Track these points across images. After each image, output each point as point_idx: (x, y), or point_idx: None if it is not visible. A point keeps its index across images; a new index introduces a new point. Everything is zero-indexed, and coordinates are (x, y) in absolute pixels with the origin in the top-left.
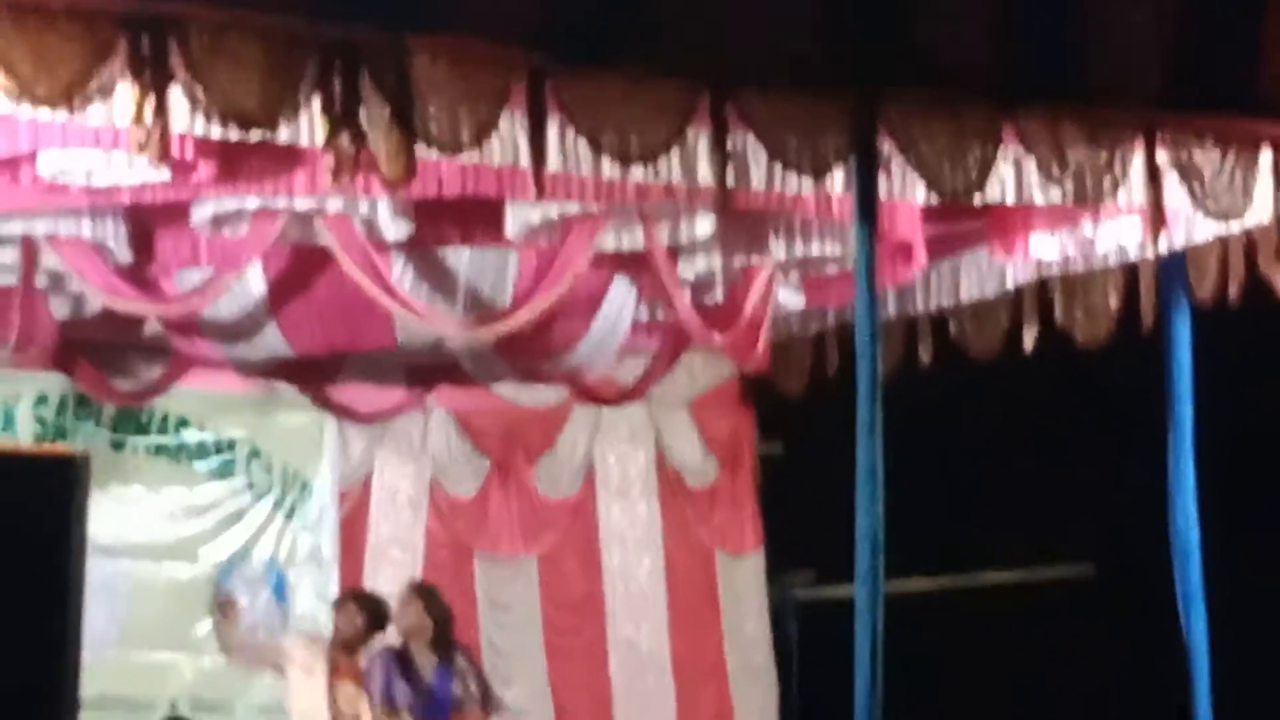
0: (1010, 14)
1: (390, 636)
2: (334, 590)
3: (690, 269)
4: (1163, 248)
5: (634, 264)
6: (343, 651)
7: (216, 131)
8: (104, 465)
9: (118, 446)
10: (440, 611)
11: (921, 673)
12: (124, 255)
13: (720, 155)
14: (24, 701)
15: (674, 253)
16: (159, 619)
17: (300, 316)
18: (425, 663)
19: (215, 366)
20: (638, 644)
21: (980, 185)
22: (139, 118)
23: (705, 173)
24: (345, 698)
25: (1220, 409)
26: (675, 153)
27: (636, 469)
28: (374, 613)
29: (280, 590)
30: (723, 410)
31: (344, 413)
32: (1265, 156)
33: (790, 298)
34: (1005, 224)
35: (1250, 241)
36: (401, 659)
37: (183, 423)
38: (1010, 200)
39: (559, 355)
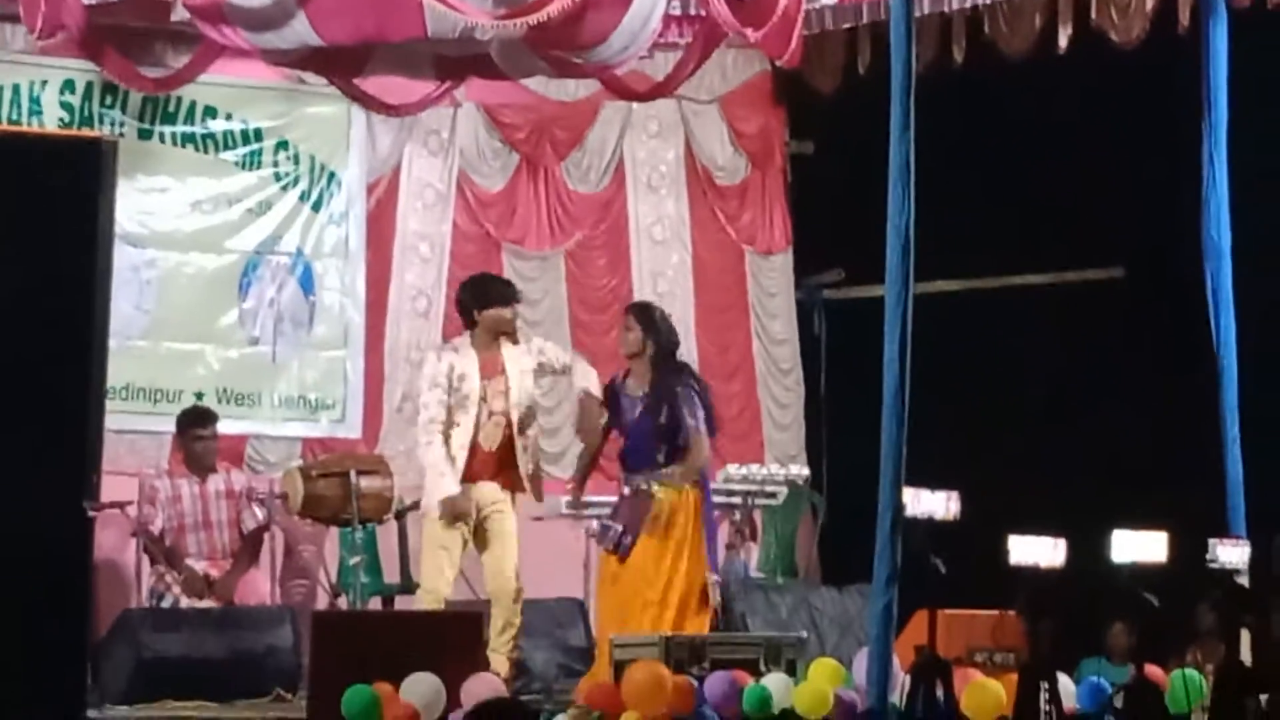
0: None
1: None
2: (361, 283)
3: None
4: None
5: None
6: None
7: None
8: (130, 154)
9: (144, 135)
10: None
11: (948, 373)
12: None
13: None
14: (52, 388)
15: None
16: (185, 309)
17: (329, 5)
18: None
19: (243, 55)
20: None
21: None
22: None
23: None
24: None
25: (1255, 112)
26: None
27: (666, 165)
28: None
29: (307, 282)
30: (754, 107)
31: (372, 104)
32: None
33: None
34: None
35: None
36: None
37: (210, 112)
38: None
39: (590, 48)
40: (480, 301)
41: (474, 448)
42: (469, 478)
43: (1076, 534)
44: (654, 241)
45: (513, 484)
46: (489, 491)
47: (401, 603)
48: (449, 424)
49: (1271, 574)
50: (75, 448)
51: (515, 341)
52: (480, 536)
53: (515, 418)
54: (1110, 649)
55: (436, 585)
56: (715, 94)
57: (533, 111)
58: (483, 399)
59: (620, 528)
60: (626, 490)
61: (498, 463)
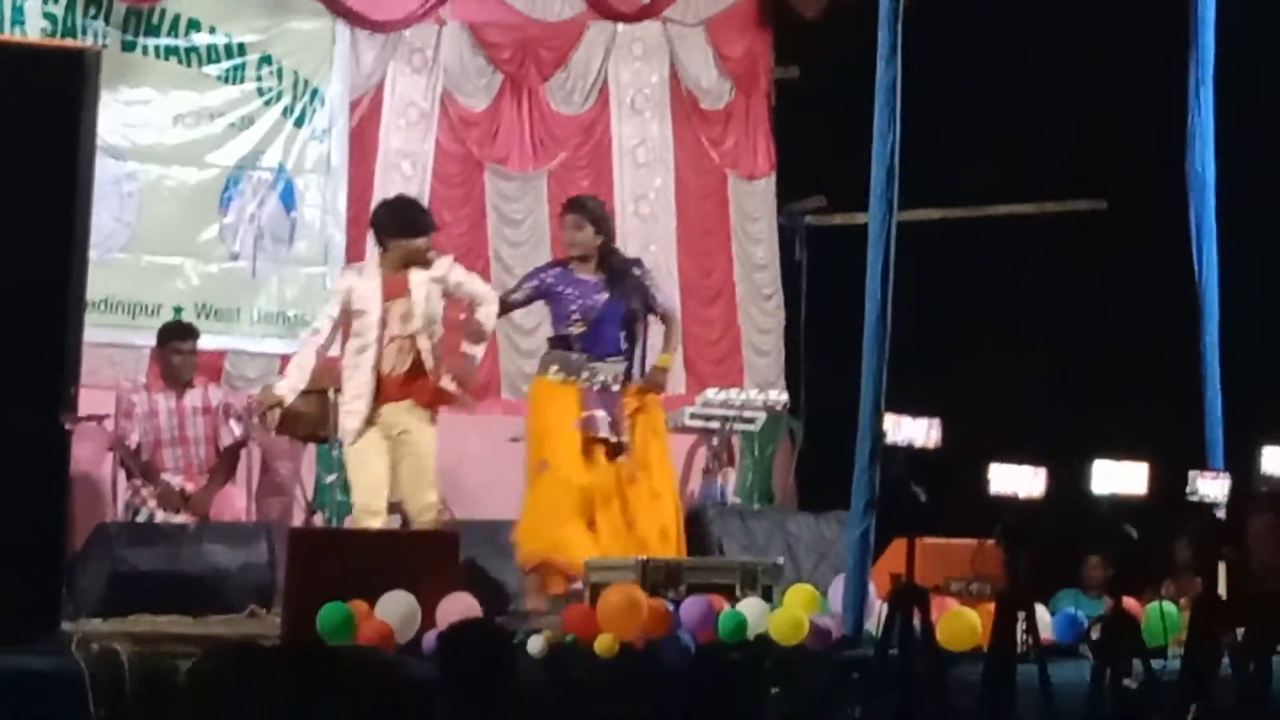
0: None
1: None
2: (342, 200)
3: None
4: None
5: None
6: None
7: None
8: (113, 66)
9: (128, 47)
10: None
11: (930, 301)
12: None
13: None
14: (31, 300)
15: None
16: (166, 223)
17: None
18: None
19: None
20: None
21: None
22: None
23: None
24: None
25: (1242, 45)
26: None
27: (650, 88)
28: None
29: (288, 198)
30: (739, 31)
31: (356, 20)
32: None
33: None
34: None
35: None
36: None
37: (193, 25)
38: None
39: None
40: (393, 230)
41: (379, 373)
42: (379, 402)
43: (1057, 463)
44: (637, 164)
45: (428, 401)
46: (394, 411)
47: None
48: (330, 341)
49: (1252, 496)
50: (53, 360)
51: (426, 266)
52: (393, 456)
53: (421, 343)
54: (1085, 581)
55: (368, 500)
56: (701, 17)
57: (517, 31)
58: (383, 323)
59: (608, 417)
60: (596, 384)
61: (408, 385)
